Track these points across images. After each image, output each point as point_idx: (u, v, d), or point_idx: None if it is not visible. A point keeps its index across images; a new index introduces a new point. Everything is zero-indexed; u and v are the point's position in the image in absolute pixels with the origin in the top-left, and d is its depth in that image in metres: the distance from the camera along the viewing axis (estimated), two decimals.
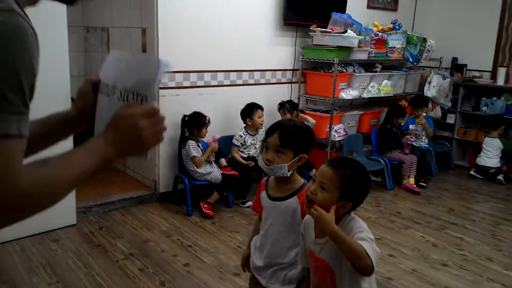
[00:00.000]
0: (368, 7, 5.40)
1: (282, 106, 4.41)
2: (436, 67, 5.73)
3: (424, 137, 5.17)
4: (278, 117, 4.42)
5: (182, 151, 3.90)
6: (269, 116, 4.46)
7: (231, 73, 4.36)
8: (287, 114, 4.35)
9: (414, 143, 4.98)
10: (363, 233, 1.40)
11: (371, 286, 1.51)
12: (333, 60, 4.40)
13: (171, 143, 4.01)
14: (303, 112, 4.59)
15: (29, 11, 0.78)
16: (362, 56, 4.74)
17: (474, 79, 5.67)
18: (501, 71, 5.44)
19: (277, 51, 4.67)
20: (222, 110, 4.30)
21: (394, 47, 5.01)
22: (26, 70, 0.70)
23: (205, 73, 4.15)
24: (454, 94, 5.63)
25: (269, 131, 1.72)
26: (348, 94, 4.65)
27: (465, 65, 5.90)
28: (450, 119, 5.79)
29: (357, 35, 4.54)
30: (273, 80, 4.71)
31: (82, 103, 1.05)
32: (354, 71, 4.81)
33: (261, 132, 4.26)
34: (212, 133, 4.01)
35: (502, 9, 5.56)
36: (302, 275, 1.73)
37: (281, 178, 1.72)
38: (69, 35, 3.31)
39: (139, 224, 3.62)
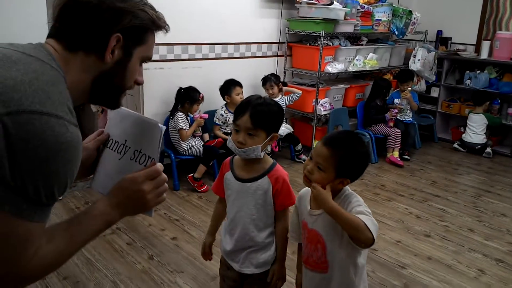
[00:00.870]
0: None
1: (267, 80, 4.36)
2: (421, 40, 5.73)
3: (408, 111, 5.20)
4: (263, 92, 4.39)
5: (170, 122, 3.87)
6: (255, 91, 4.43)
7: (216, 46, 4.28)
8: (274, 88, 4.32)
9: (398, 117, 5.02)
10: (361, 207, 1.40)
11: (365, 261, 1.52)
12: (319, 33, 4.36)
13: (156, 118, 3.96)
14: (285, 85, 4.56)
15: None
16: (348, 28, 4.70)
17: (458, 52, 5.70)
18: (485, 44, 5.47)
19: (263, 23, 4.59)
20: (207, 84, 4.23)
21: (380, 20, 4.97)
22: (71, 176, 0.83)
23: (189, 46, 4.08)
24: (439, 67, 5.66)
25: (239, 112, 1.60)
26: (334, 67, 4.63)
27: (450, 38, 5.91)
28: (434, 92, 5.83)
29: (343, 7, 4.49)
30: (259, 54, 4.65)
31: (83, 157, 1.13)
32: (340, 44, 4.78)
33: None
34: (200, 107, 3.99)
35: None
36: (275, 257, 1.70)
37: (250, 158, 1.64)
38: None
39: None
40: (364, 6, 4.82)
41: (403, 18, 5.15)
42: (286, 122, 4.76)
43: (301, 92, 4.48)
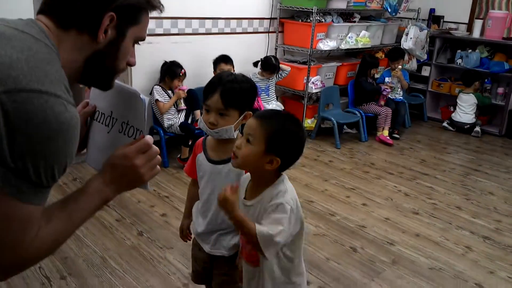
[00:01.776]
0: None
1: (270, 66, 4.30)
2: (413, 19, 5.68)
3: (399, 90, 5.19)
4: (255, 70, 4.34)
5: (151, 98, 3.81)
6: (246, 68, 4.37)
7: (206, 20, 4.19)
8: (264, 73, 4.29)
9: (389, 96, 5.01)
10: (279, 199, 1.29)
11: (295, 254, 1.42)
12: (312, 9, 4.29)
13: (144, 94, 3.89)
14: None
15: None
16: (341, 5, 4.64)
17: (451, 31, 5.67)
18: (477, 23, 5.44)
19: None
20: (197, 60, 4.16)
21: None
22: (70, 157, 0.81)
23: (179, 20, 3.99)
24: (430, 46, 5.63)
25: (208, 90, 1.50)
26: (326, 44, 4.58)
27: (442, 17, 5.87)
28: (425, 71, 5.82)
29: None
30: (250, 29, 4.57)
31: None
32: (332, 21, 4.71)
33: None
34: (187, 83, 3.92)
35: None
36: None
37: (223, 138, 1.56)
38: None
39: None
40: None
41: None
42: (277, 99, 4.72)
43: (289, 68, 4.44)
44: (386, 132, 4.83)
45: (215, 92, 1.48)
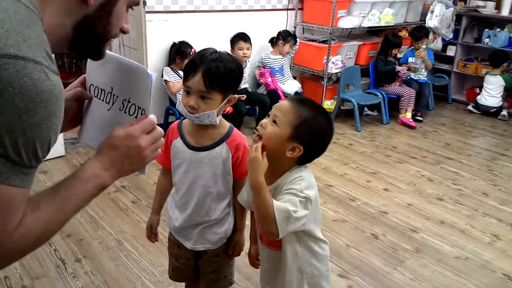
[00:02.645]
0: None
1: (285, 37, 4.20)
2: None
3: (423, 70, 5.00)
4: (271, 48, 4.22)
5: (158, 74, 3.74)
6: (263, 47, 4.25)
7: None
8: (285, 46, 4.16)
9: (413, 76, 4.83)
10: (296, 186, 1.21)
11: (322, 248, 1.35)
12: None
13: (161, 74, 3.81)
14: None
15: None
16: None
17: (478, 9, 5.42)
18: (506, 1, 5.17)
19: None
20: (213, 38, 4.04)
21: None
22: (55, 132, 0.72)
23: None
24: (456, 24, 5.39)
25: (189, 70, 1.34)
26: (347, 22, 4.42)
27: None
28: (451, 51, 5.59)
29: None
30: (268, 6, 4.42)
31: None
32: None
33: (249, 65, 4.09)
34: None
35: None
36: (232, 229, 1.56)
37: None
38: None
39: None
40: None
41: None
42: (296, 79, 4.60)
43: (299, 41, 4.35)
44: (409, 115, 4.67)
45: (197, 72, 1.32)
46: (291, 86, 4.33)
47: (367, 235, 2.67)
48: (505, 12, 5.20)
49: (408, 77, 4.86)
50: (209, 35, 4.00)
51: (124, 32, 0.88)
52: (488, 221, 2.90)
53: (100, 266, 2.28)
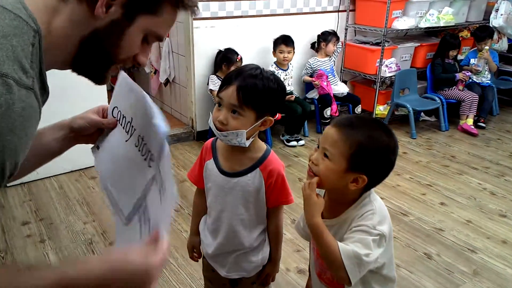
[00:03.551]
0: None
1: (325, 37, 4.08)
2: None
3: (487, 73, 4.67)
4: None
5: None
6: (310, 51, 4.12)
7: (271, 1, 3.98)
8: (328, 45, 4.03)
9: (475, 79, 4.51)
10: (368, 222, 1.08)
11: (388, 263, 1.21)
12: None
13: (207, 81, 3.81)
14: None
15: None
16: None
17: None
18: None
19: None
20: (261, 43, 3.99)
21: None
22: (15, 153, 0.64)
23: (242, 2, 3.82)
24: None
25: (225, 82, 1.26)
26: (402, 23, 4.21)
27: None
28: None
29: None
30: (318, 9, 4.29)
31: (82, 125, 0.97)
32: None
33: (291, 68, 4.01)
34: None
35: None
36: (268, 257, 1.45)
37: None
38: None
39: (175, 163, 3.54)
40: None
41: None
42: (346, 84, 4.45)
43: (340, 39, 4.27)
44: (470, 121, 4.37)
45: (232, 83, 1.23)
46: (342, 87, 4.27)
47: (420, 254, 2.49)
48: None
49: (470, 80, 4.55)
50: (256, 41, 3.96)
51: (138, 63, 0.82)
52: None
53: None
